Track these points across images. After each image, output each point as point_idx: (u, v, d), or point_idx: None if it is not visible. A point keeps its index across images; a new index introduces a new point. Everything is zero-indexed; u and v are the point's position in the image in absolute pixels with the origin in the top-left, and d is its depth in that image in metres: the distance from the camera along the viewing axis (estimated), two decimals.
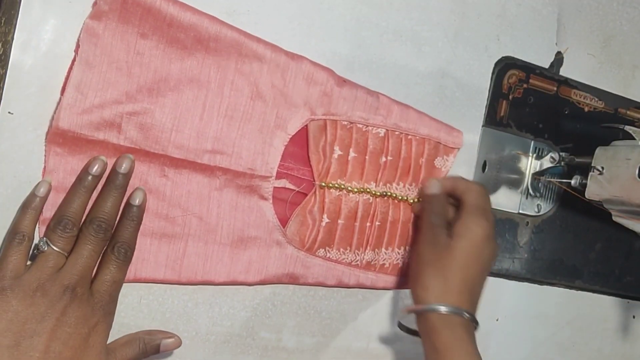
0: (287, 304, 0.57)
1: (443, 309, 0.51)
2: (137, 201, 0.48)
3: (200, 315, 0.54)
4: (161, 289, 0.52)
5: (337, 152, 0.56)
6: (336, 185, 0.56)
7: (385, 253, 0.59)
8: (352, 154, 0.57)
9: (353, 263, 0.58)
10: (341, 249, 0.57)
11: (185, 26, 0.48)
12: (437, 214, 0.56)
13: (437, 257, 0.53)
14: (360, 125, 0.57)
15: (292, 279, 0.55)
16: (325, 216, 0.56)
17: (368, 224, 0.58)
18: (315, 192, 0.55)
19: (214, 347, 0.55)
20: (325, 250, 0.56)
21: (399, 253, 0.59)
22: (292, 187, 0.55)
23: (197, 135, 0.50)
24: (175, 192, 0.50)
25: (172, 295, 0.53)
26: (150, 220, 0.50)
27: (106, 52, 0.46)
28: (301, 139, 0.55)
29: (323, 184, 0.56)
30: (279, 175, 0.54)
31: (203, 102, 0.50)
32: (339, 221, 0.56)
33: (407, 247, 0.60)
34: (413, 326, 0.55)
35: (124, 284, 0.50)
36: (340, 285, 0.57)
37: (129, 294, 0.51)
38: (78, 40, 0.46)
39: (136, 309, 0.52)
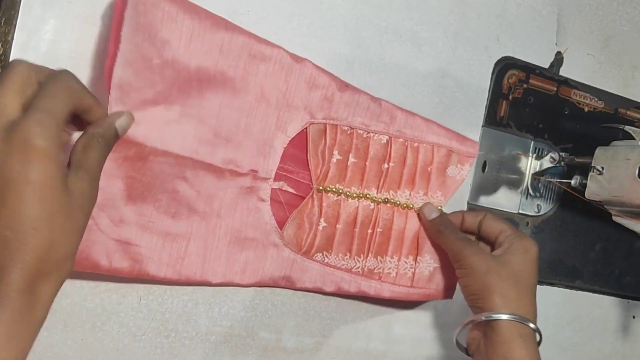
0: (287, 304, 0.57)
1: (520, 318, 0.50)
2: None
3: (200, 315, 0.54)
4: (161, 289, 0.52)
5: (336, 156, 0.56)
6: (334, 189, 0.56)
7: (391, 262, 0.58)
8: (351, 159, 0.56)
9: (353, 270, 0.57)
10: (340, 255, 0.56)
11: (197, 28, 0.47)
12: (458, 230, 0.57)
13: (498, 268, 0.52)
14: (361, 132, 0.56)
15: (289, 283, 0.55)
16: (322, 220, 0.55)
17: (369, 230, 0.57)
18: (312, 195, 0.55)
19: (214, 347, 0.55)
20: (323, 254, 0.56)
21: (406, 262, 0.58)
22: (289, 189, 0.55)
23: (214, 136, 0.50)
24: (187, 192, 0.50)
25: (172, 295, 0.53)
26: (161, 219, 0.50)
27: (139, 52, 0.45)
28: (301, 142, 0.55)
29: (321, 187, 0.55)
30: (278, 177, 0.54)
31: (220, 103, 0.50)
32: (337, 226, 0.56)
33: (418, 257, 0.59)
34: (462, 340, 0.55)
35: (123, 285, 0.50)
36: (340, 292, 0.56)
37: (128, 294, 0.51)
38: (119, 28, 0.44)
39: (136, 309, 0.52)
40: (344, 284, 0.56)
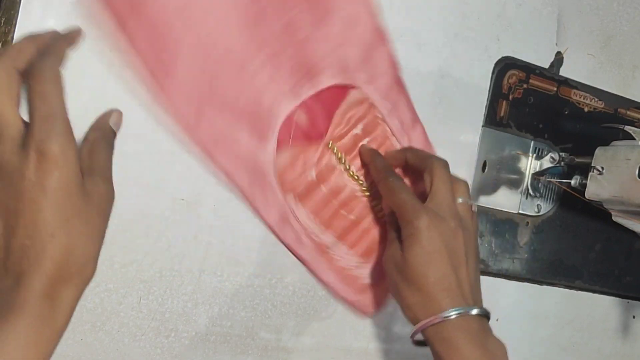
0: (287, 304, 0.57)
1: (437, 319, 0.47)
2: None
3: (200, 315, 0.54)
4: (161, 289, 0.52)
5: (358, 130, 0.57)
6: (339, 156, 0.56)
7: (346, 252, 0.57)
8: (366, 141, 0.57)
9: (312, 235, 0.56)
10: (310, 214, 0.56)
11: None
12: (395, 176, 0.53)
13: (399, 270, 0.50)
14: (388, 129, 0.58)
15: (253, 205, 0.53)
16: (313, 172, 0.55)
17: (343, 212, 0.57)
18: (319, 145, 0.55)
19: (214, 347, 0.55)
20: (296, 202, 0.55)
21: (356, 261, 0.57)
22: (304, 124, 0.54)
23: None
24: None
25: (171, 295, 0.53)
26: None
27: None
28: (338, 96, 0.55)
29: (330, 144, 0.56)
30: (302, 106, 0.54)
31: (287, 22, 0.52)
32: (322, 187, 0.56)
33: (367, 264, 0.57)
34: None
35: (123, 285, 0.49)
36: (291, 248, 0.54)
37: (128, 294, 0.51)
38: None
39: (136, 309, 0.52)
40: (298, 241, 0.55)
